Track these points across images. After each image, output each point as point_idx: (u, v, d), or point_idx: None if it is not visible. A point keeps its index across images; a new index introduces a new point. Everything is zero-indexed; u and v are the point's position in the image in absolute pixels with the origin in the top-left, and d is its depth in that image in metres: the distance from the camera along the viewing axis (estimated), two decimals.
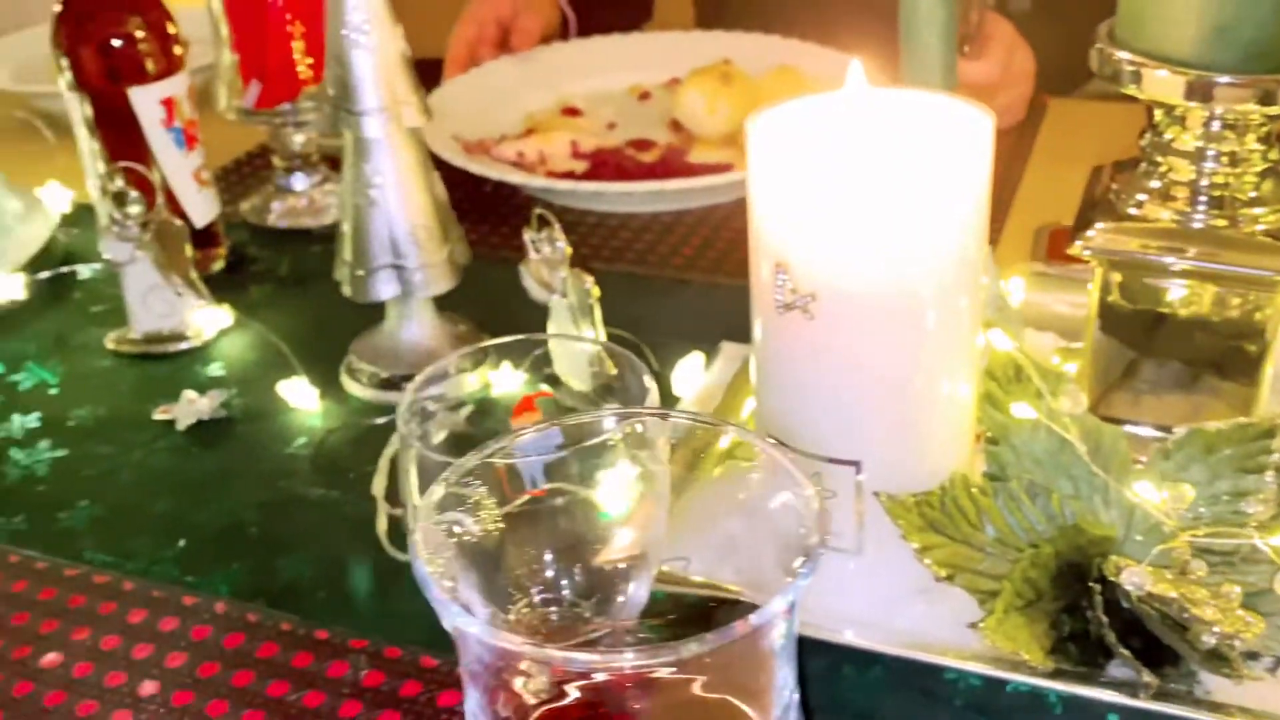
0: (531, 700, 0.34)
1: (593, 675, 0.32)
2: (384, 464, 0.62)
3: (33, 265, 0.86)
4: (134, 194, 0.76)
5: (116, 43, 0.79)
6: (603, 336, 0.68)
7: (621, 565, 0.45)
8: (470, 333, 0.75)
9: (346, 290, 0.70)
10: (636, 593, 0.45)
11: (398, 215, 0.68)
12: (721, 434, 0.40)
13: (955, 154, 0.47)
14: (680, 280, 0.83)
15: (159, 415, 0.71)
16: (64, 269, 0.84)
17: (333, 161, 0.99)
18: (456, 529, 0.38)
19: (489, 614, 0.44)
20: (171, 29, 0.81)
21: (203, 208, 0.85)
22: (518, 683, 0.34)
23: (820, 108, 0.49)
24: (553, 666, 0.32)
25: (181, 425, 0.70)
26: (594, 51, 1.15)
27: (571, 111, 1.05)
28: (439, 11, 1.17)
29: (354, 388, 0.73)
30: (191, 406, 0.71)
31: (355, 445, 0.68)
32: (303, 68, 0.90)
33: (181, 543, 0.61)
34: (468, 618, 0.30)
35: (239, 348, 0.78)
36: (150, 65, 0.80)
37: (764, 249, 0.48)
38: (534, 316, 0.73)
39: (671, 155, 0.96)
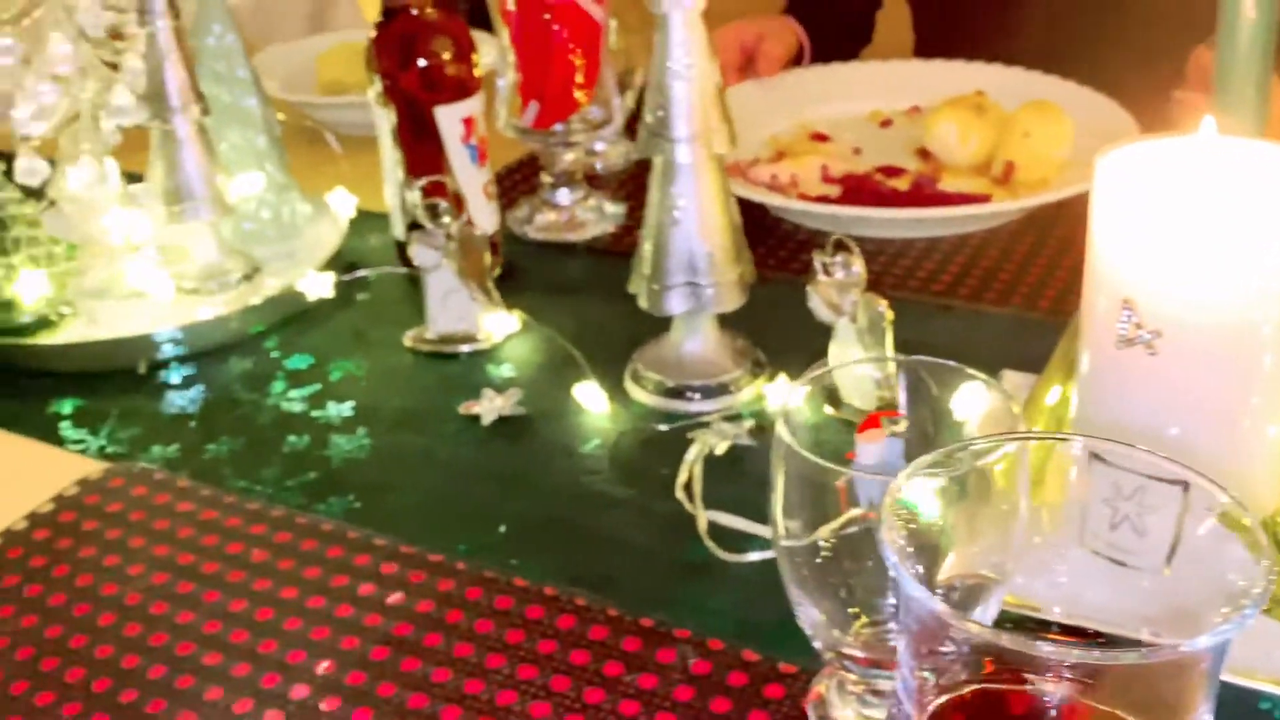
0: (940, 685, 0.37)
1: (1021, 665, 0.35)
2: (695, 469, 0.66)
3: (324, 266, 0.93)
4: (444, 204, 0.82)
5: (423, 63, 0.85)
6: (891, 359, 0.71)
7: (971, 586, 0.48)
8: (747, 347, 0.79)
9: (643, 302, 0.75)
10: (983, 615, 0.48)
11: (698, 236, 0.72)
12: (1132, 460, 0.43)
13: None
14: (943, 306, 0.86)
15: (463, 410, 0.77)
16: (365, 272, 0.91)
17: (592, 179, 1.05)
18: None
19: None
20: (475, 56, 0.87)
21: (488, 219, 0.91)
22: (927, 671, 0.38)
23: (1165, 151, 0.52)
24: (990, 649, 0.35)
25: (485, 420, 0.76)
26: (835, 78, 1.18)
27: (820, 137, 1.08)
28: None
29: (639, 394, 0.77)
30: (493, 404, 0.76)
31: (646, 448, 0.73)
32: (578, 93, 0.96)
33: (502, 529, 0.66)
34: (929, 594, 0.34)
35: (524, 350, 0.84)
36: (455, 86, 0.86)
37: (1106, 284, 0.51)
38: (801, 332, 0.77)
39: (923, 183, 0.99)
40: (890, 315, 0.70)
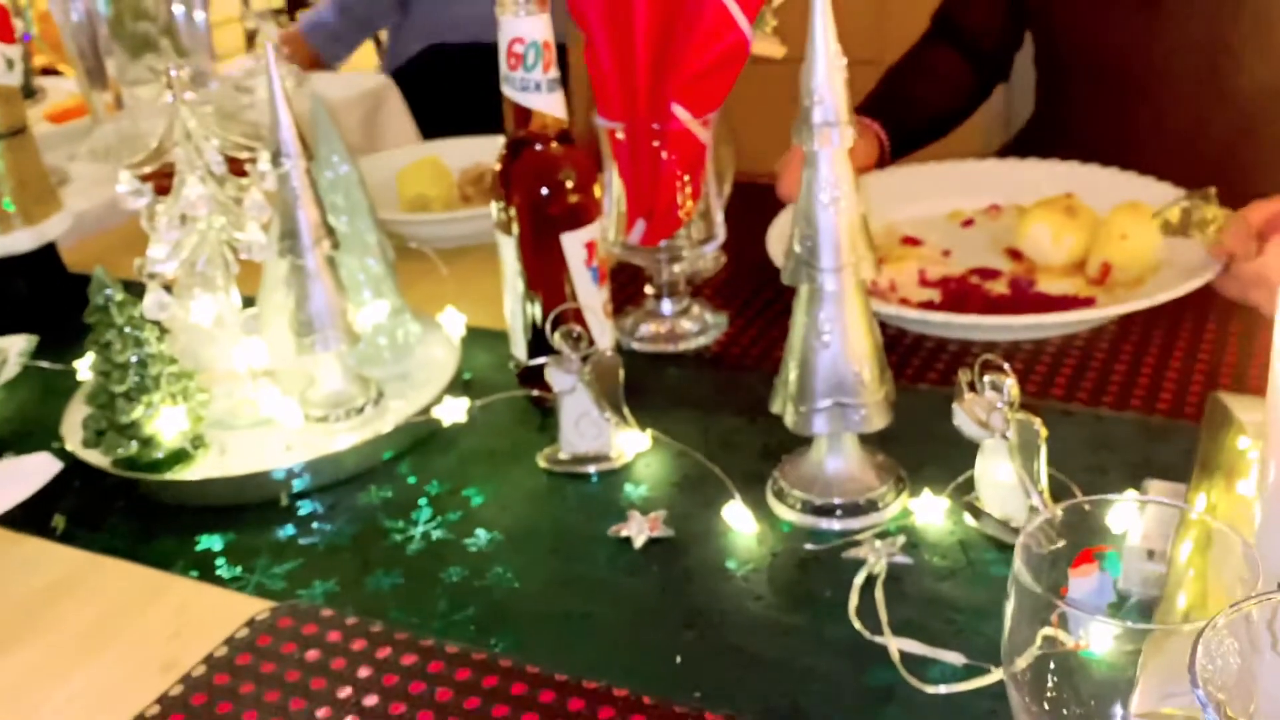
0: None
1: None
2: (878, 596, 0.68)
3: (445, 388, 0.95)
4: (579, 331, 0.84)
5: (548, 192, 0.88)
6: (1045, 476, 0.72)
7: None
8: (888, 462, 0.81)
9: (789, 422, 0.77)
10: None
11: (845, 358, 0.74)
12: None
13: None
14: (1064, 411, 0.88)
15: (613, 533, 0.78)
16: (497, 397, 0.92)
17: (696, 289, 1.07)
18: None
19: None
20: (596, 185, 0.89)
21: (605, 336, 0.93)
22: None
23: None
24: None
25: (637, 544, 0.77)
26: (912, 178, 1.21)
27: (910, 240, 1.11)
28: (759, 133, 1.25)
29: (784, 511, 0.79)
30: (642, 526, 0.78)
31: (803, 569, 0.74)
32: (680, 212, 0.99)
33: (679, 659, 0.68)
34: None
35: (658, 468, 0.85)
36: (578, 213, 0.88)
37: None
38: (929, 440, 0.79)
39: (1022, 284, 1.01)
40: (1045, 433, 0.71)
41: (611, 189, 0.99)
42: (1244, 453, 0.74)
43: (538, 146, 0.88)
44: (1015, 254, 1.07)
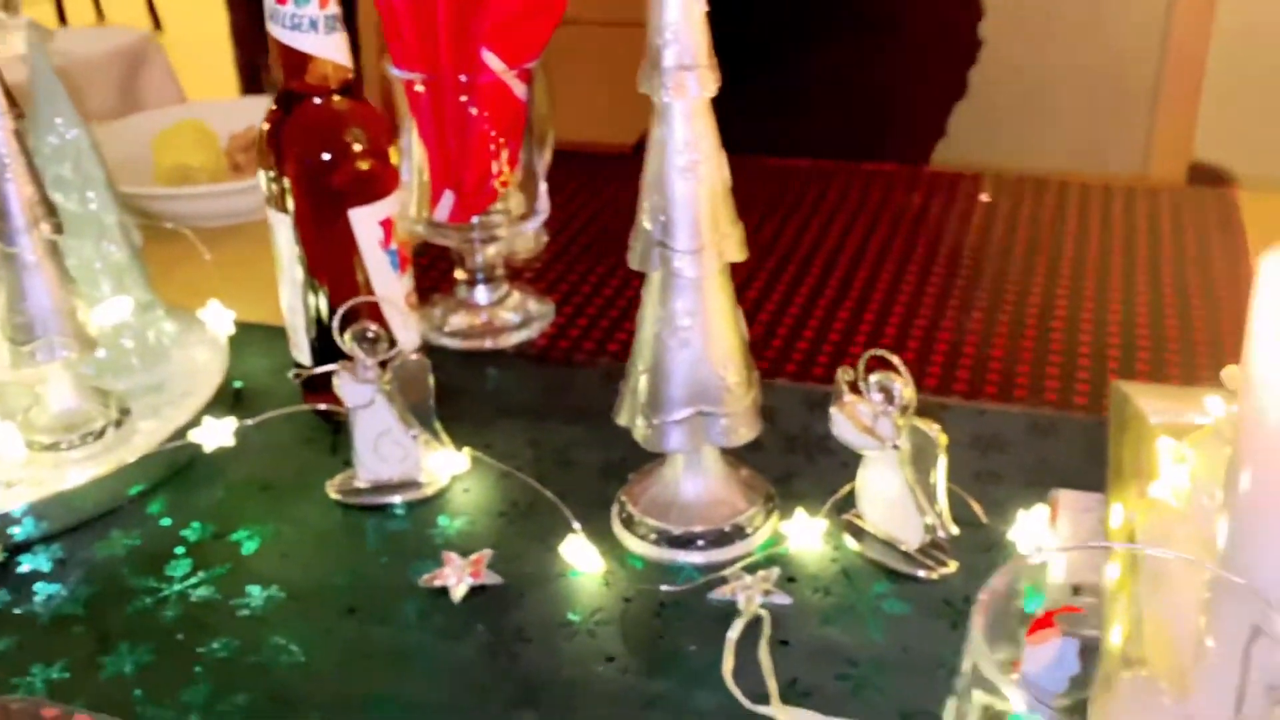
0: None
1: None
2: (763, 657, 0.55)
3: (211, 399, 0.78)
4: (375, 330, 0.68)
5: (331, 157, 0.71)
6: (944, 490, 0.61)
7: None
8: (754, 477, 0.68)
9: (639, 437, 0.63)
10: None
11: (708, 359, 0.61)
12: None
13: None
14: (940, 405, 0.76)
15: (426, 583, 0.63)
16: (273, 414, 0.75)
17: (514, 274, 0.92)
18: None
19: None
20: (394, 152, 0.73)
21: (409, 334, 0.77)
22: None
23: None
24: None
25: (457, 595, 0.62)
26: None
27: None
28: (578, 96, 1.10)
29: (634, 544, 0.65)
30: (463, 572, 0.63)
31: (664, 618, 0.60)
32: (496, 182, 0.83)
33: None
34: None
35: (479, 495, 0.70)
36: (371, 183, 0.72)
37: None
38: (797, 452, 0.68)
39: None
40: (944, 440, 0.60)
41: (412, 155, 0.83)
42: (1167, 453, 0.64)
43: (316, 101, 0.71)
44: None
